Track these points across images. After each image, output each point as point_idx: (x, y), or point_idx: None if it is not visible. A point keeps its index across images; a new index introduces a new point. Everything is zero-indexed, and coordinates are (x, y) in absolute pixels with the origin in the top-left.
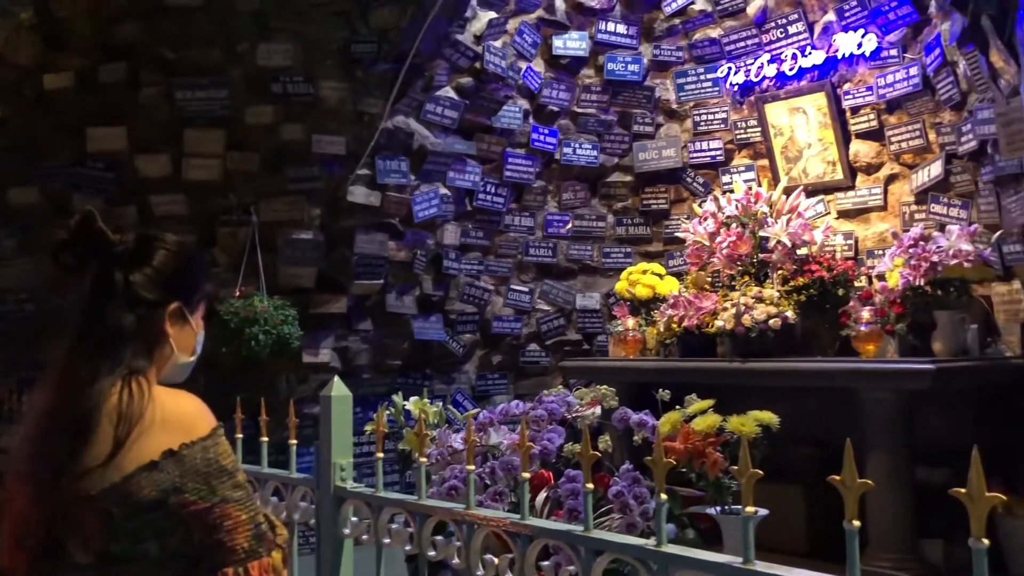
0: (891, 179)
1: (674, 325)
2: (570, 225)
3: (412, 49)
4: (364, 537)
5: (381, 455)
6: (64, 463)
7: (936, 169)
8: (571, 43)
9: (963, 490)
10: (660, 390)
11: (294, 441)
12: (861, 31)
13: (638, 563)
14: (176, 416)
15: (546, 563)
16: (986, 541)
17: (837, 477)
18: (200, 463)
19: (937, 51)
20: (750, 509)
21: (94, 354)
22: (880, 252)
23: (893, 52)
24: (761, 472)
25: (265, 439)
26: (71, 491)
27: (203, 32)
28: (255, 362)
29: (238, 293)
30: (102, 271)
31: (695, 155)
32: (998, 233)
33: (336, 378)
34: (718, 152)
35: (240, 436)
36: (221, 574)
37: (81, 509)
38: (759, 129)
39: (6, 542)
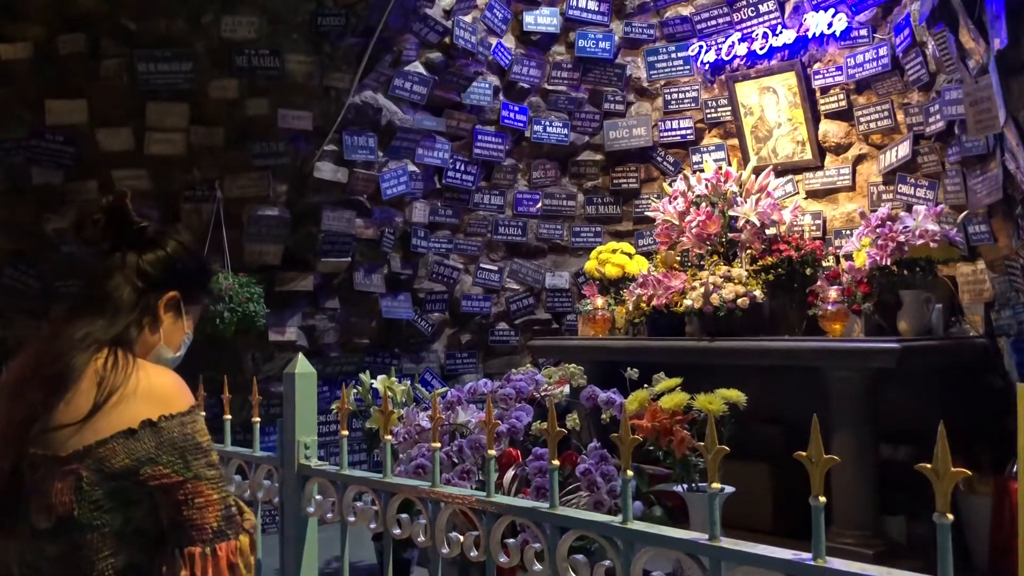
0: (859, 159)
1: (643, 304)
2: (540, 204)
3: (380, 23)
4: (329, 515)
5: (346, 433)
6: (37, 414)
7: (904, 150)
8: (542, 19)
9: (928, 465)
10: (628, 369)
11: (257, 419)
12: (832, 10)
13: (604, 540)
14: (158, 389)
15: (512, 540)
16: (950, 516)
17: (803, 453)
18: (177, 437)
19: (906, 31)
20: (716, 486)
21: (89, 318)
22: (848, 232)
23: (863, 32)
24: (728, 448)
25: (228, 417)
26: (41, 444)
27: (166, 2)
28: (220, 340)
29: None
30: (117, 247)
31: (665, 134)
32: (964, 213)
33: (300, 355)
34: (688, 131)
35: (203, 415)
36: (187, 552)
37: (49, 469)
38: (729, 108)
39: None
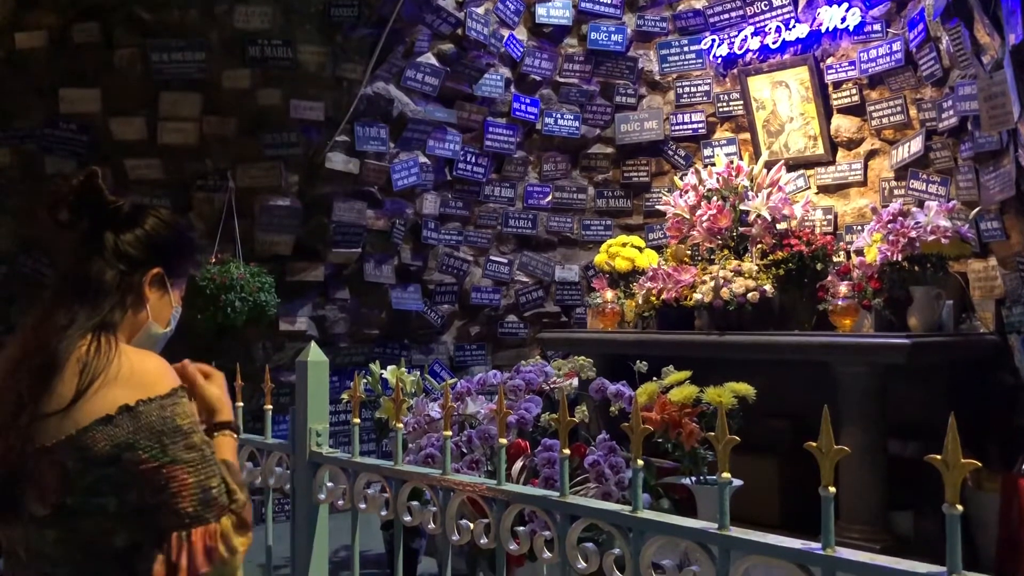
0: (871, 154)
1: (653, 298)
2: (550, 197)
3: (393, 14)
4: (340, 503)
5: (358, 421)
6: (27, 403)
7: (916, 145)
8: (554, 11)
9: (939, 457)
10: (637, 362)
11: (269, 406)
12: (845, 5)
13: (614, 529)
14: (139, 373)
15: (521, 529)
16: (960, 507)
17: (814, 444)
18: (155, 421)
19: (920, 26)
20: (726, 476)
21: (73, 304)
22: (859, 227)
23: (877, 27)
24: (738, 439)
25: (240, 404)
26: (29, 435)
27: None
28: (231, 329)
29: (214, 259)
30: (93, 228)
31: (677, 127)
32: (976, 210)
33: (313, 343)
34: (700, 125)
35: (241, 405)
36: (168, 537)
37: (39, 460)
38: (741, 102)
39: None
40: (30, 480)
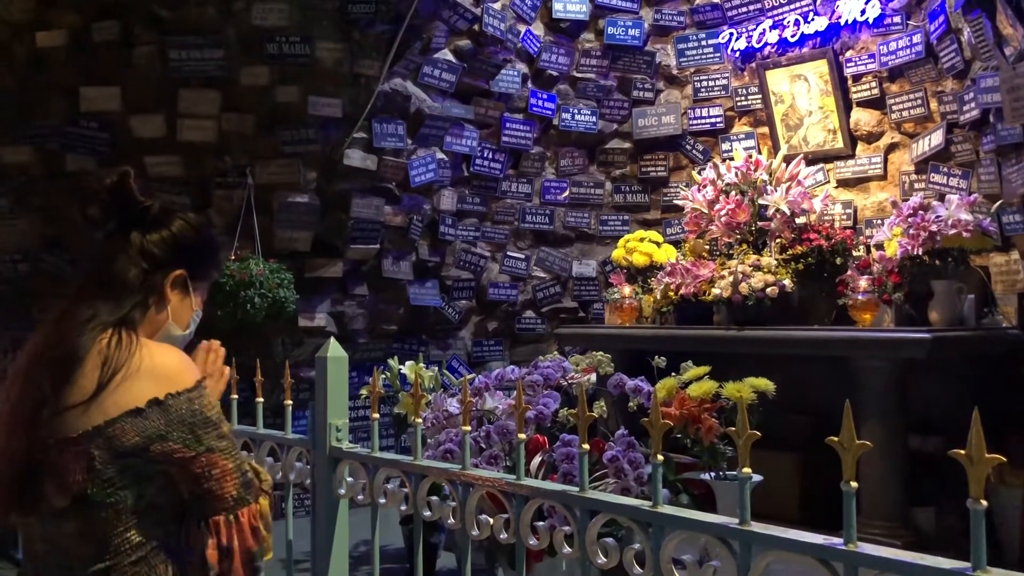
0: (891, 148)
1: (671, 293)
2: (567, 192)
3: (410, 10)
4: (360, 498)
5: (376, 416)
6: (47, 396)
7: (937, 138)
8: (571, 6)
9: (963, 451)
10: (656, 357)
11: (289, 401)
12: None
13: (634, 524)
14: (162, 367)
15: (541, 524)
16: (984, 502)
17: (835, 439)
18: (185, 413)
19: (941, 18)
20: (747, 471)
21: (96, 299)
22: (879, 221)
23: (896, 19)
24: (758, 434)
25: (260, 400)
26: (52, 428)
27: None
28: (251, 325)
29: (234, 256)
30: (121, 227)
31: (695, 122)
32: (998, 203)
33: (332, 339)
34: (718, 119)
35: (235, 398)
36: (213, 522)
37: (62, 450)
38: (760, 96)
39: None
40: (51, 472)
